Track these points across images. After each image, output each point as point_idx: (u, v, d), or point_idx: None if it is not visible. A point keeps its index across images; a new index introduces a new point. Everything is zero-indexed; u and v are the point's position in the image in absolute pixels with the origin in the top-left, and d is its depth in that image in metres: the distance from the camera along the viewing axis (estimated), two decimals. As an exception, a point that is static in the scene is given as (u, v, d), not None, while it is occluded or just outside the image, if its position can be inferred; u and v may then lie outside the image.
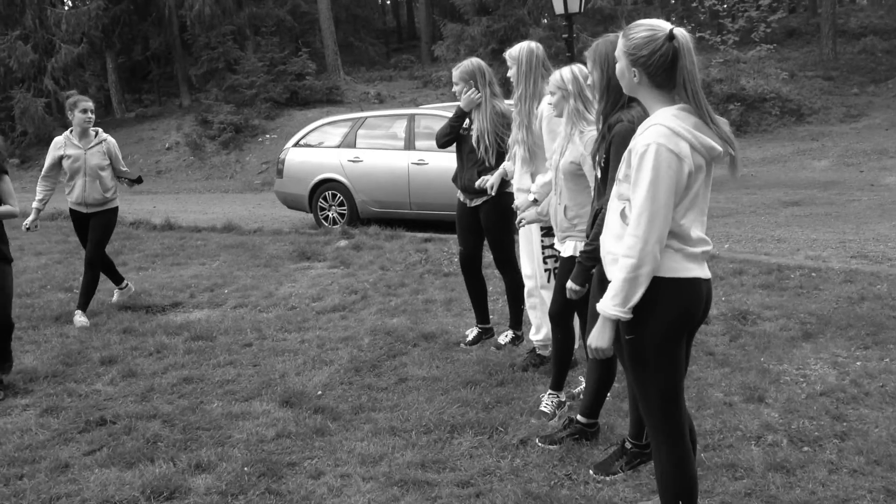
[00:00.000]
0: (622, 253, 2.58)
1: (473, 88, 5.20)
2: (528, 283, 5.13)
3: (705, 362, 4.81)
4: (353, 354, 5.35)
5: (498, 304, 6.53)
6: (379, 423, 4.24)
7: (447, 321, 6.09)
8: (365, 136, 11.06)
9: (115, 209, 6.63)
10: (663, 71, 2.58)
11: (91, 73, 26.29)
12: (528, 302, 5.19)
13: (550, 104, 4.08)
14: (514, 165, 5.02)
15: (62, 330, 6.18)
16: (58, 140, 6.42)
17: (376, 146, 10.91)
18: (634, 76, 2.64)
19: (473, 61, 5.26)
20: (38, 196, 6.37)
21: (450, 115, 5.47)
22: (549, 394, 4.31)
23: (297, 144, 11.55)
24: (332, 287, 7.38)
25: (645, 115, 2.78)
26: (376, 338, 5.70)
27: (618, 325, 2.65)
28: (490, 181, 5.06)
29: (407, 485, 3.54)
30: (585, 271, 3.34)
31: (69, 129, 6.43)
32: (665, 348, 2.67)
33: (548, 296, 4.70)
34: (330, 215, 11.05)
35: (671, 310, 2.63)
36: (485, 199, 5.26)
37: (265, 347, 5.62)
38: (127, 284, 7.10)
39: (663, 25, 2.60)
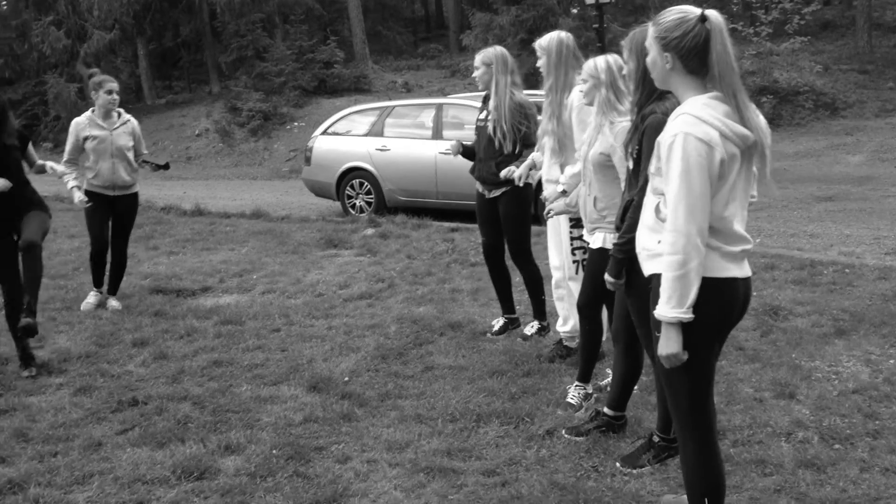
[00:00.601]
0: (665, 251, 2.51)
1: (456, 143, 5.49)
2: (556, 275, 5.11)
3: (735, 357, 4.77)
4: (379, 342, 5.38)
5: (525, 294, 6.51)
6: (405, 410, 4.26)
7: (473, 311, 6.09)
8: (393, 124, 11.07)
9: (138, 193, 6.54)
10: (696, 54, 2.53)
11: (122, 59, 26.52)
12: (555, 293, 5.18)
13: (582, 91, 4.05)
14: (542, 156, 5.00)
15: (95, 312, 6.26)
16: (79, 121, 6.23)
17: (404, 135, 10.91)
18: (667, 62, 2.59)
19: (497, 48, 5.28)
20: (73, 177, 6.10)
21: (478, 104, 5.48)
22: (576, 385, 4.30)
23: (325, 132, 11.59)
24: (359, 275, 7.41)
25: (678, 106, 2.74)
26: (403, 326, 5.72)
27: (681, 326, 2.54)
28: (518, 172, 5.04)
29: (433, 472, 3.56)
30: (618, 263, 3.28)
31: (90, 110, 6.26)
32: (699, 349, 2.62)
33: (575, 287, 4.68)
34: (357, 203, 11.09)
35: (706, 310, 2.56)
36: (504, 189, 5.26)
37: (293, 333, 5.67)
38: (102, 292, 6.55)
39: (694, 9, 2.56)
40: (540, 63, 4.75)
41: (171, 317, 6.10)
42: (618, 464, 3.57)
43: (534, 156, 5.07)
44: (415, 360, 5.06)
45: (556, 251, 5.06)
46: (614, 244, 3.32)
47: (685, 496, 3.08)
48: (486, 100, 5.34)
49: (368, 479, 3.54)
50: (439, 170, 10.32)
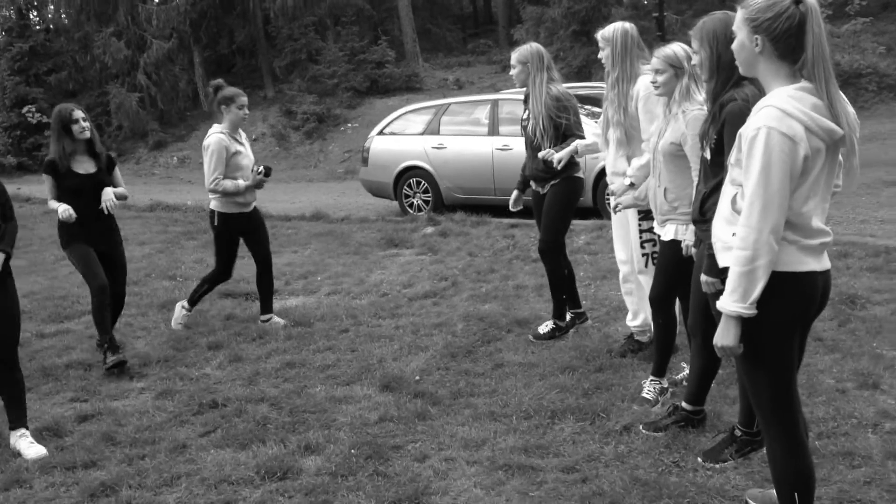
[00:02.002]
0: (736, 245, 2.49)
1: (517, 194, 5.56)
2: (623, 269, 5.07)
3: (814, 348, 4.66)
4: (447, 340, 5.41)
5: (590, 288, 6.49)
6: (478, 408, 4.27)
7: (539, 307, 6.07)
8: (448, 122, 11.10)
9: None
10: (788, 37, 2.45)
11: (180, 67, 27.09)
12: (623, 288, 5.13)
13: (654, 83, 3.96)
14: (586, 143, 5.00)
15: (169, 317, 6.40)
16: (222, 138, 5.71)
17: (460, 132, 10.93)
18: (756, 45, 2.51)
19: (532, 45, 5.26)
20: (233, 182, 5.77)
21: None
22: (651, 380, 4.26)
23: (381, 133, 11.68)
24: (422, 274, 7.45)
25: (759, 94, 2.68)
26: (469, 324, 5.73)
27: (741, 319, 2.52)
28: (558, 155, 4.98)
29: (511, 469, 3.57)
30: (717, 262, 2.94)
31: (218, 127, 5.79)
32: (777, 344, 2.59)
33: (645, 281, 4.64)
34: (414, 202, 11.15)
35: (785, 305, 2.53)
36: (553, 183, 5.24)
37: (361, 333, 5.74)
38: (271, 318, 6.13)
39: None
40: (602, 54, 4.69)
41: (241, 320, 6.23)
42: (699, 459, 3.52)
43: (577, 142, 5.02)
44: (484, 357, 5.08)
45: (623, 245, 5.02)
46: (707, 244, 3.07)
47: (771, 491, 3.04)
48: (527, 98, 5.32)
49: (448, 477, 3.57)
50: (496, 166, 10.32)
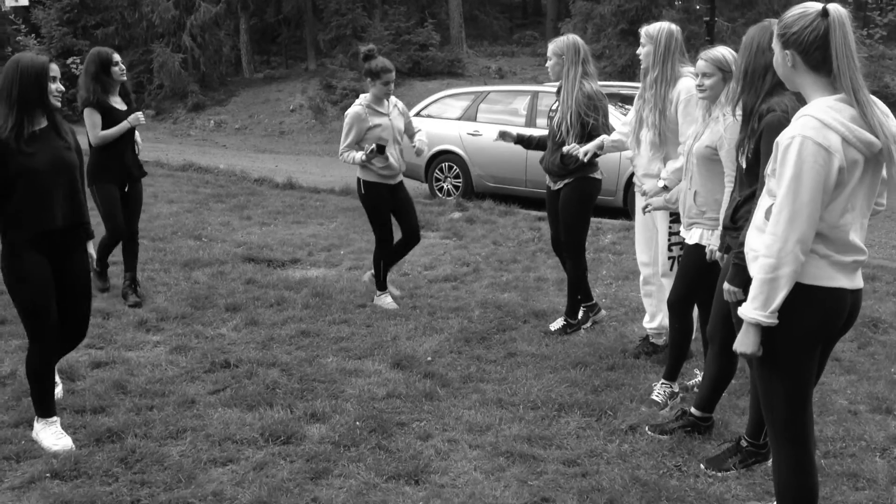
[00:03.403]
0: (761, 252, 2.47)
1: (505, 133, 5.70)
2: (644, 271, 5.03)
3: (831, 368, 4.60)
4: (463, 325, 5.41)
5: (612, 288, 6.45)
6: (487, 394, 4.28)
7: (558, 300, 6.05)
8: (486, 110, 11.04)
9: None
10: (815, 49, 2.44)
11: (225, 32, 27.21)
12: (642, 290, 5.10)
13: (700, 86, 3.90)
14: (613, 141, 4.93)
15: (190, 275, 6.49)
16: (358, 112, 5.63)
17: (497, 121, 10.87)
18: (787, 60, 2.51)
19: (570, 37, 5.18)
20: (355, 154, 5.72)
21: None
22: (662, 383, 4.23)
23: (418, 114, 11.65)
24: (445, 257, 7.45)
25: (799, 104, 2.65)
26: (487, 311, 5.73)
27: (760, 327, 2.51)
28: (584, 148, 4.91)
29: (513, 456, 3.58)
30: (742, 272, 2.87)
31: (365, 97, 5.70)
32: (797, 356, 2.57)
33: (668, 283, 4.58)
34: (444, 187, 11.14)
35: (807, 318, 2.51)
36: (567, 181, 5.19)
37: (378, 310, 5.76)
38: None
39: (817, 4, 2.48)
40: (643, 51, 4.61)
41: (262, 285, 6.28)
42: (702, 465, 3.51)
43: (603, 138, 4.96)
44: (497, 345, 5.08)
45: (645, 247, 4.98)
46: (735, 251, 3.02)
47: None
48: (559, 91, 5.27)
49: (449, 458, 3.58)
50: (529, 157, 10.25)
